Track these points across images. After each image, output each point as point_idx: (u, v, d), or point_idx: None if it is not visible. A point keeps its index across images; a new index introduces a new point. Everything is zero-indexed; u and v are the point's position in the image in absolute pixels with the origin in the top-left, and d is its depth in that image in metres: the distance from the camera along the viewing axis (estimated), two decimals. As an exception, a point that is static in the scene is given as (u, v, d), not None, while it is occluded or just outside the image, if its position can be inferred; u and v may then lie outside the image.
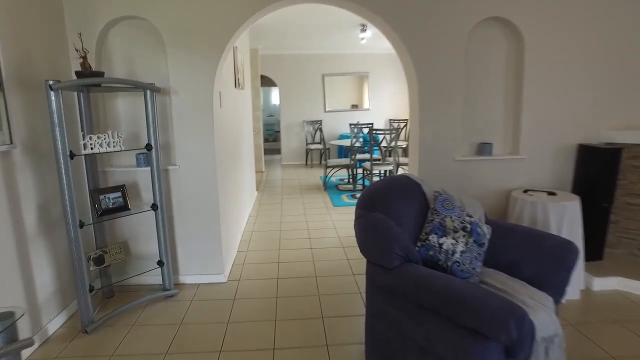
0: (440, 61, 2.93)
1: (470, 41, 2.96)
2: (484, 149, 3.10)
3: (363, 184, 6.50)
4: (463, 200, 2.16)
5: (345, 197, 5.79)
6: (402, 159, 6.49)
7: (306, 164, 9.17)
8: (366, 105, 9.28)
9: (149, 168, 2.78)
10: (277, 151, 10.46)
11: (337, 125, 9.22)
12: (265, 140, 14.36)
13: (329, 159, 6.78)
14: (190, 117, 2.89)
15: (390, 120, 9.17)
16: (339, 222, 4.63)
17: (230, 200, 3.60)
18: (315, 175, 7.85)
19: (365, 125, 7.38)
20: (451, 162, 3.05)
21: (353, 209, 5.11)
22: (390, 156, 6.18)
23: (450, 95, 2.97)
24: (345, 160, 6.59)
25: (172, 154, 2.95)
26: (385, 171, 6.23)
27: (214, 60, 2.84)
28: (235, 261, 3.53)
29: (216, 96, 3.03)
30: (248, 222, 4.66)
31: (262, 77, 9.09)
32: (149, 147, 2.64)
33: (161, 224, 2.77)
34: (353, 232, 2.05)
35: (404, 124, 8.94)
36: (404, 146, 6.32)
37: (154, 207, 2.73)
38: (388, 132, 5.85)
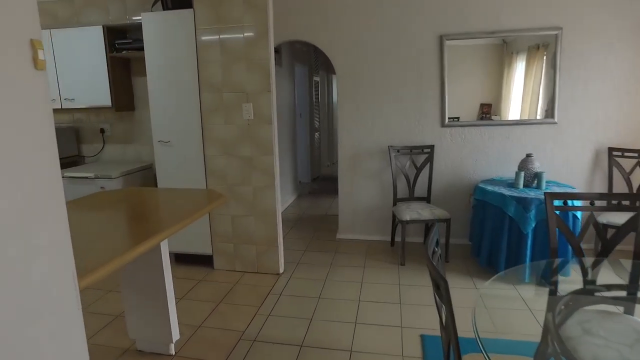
0: None
1: None
2: None
3: None
4: None
5: None
6: None
7: (392, 244, 4.03)
8: (512, 110, 3.79)
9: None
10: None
11: (472, 161, 3.89)
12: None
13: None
14: None
15: (610, 150, 3.56)
16: None
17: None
18: (411, 307, 2.68)
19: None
20: None
21: None
22: None
23: None
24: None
25: None
26: None
27: None
28: None
29: None
30: None
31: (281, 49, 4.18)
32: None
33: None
34: None
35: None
36: None
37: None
38: None
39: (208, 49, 3.16)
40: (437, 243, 1.34)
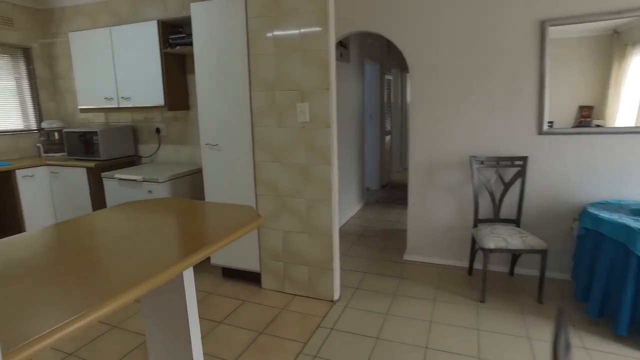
0: None
1: None
2: None
3: None
4: None
5: None
6: None
7: (469, 272, 3.37)
8: (622, 114, 2.93)
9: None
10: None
11: (577, 178, 3.10)
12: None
13: None
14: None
15: None
16: None
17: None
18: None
19: None
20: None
21: None
22: None
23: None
24: None
25: None
26: None
27: None
28: None
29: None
30: None
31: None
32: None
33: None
34: None
35: None
36: None
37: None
38: None
39: (260, 41, 2.78)
40: (568, 346, 0.78)
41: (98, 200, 3.78)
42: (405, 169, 8.51)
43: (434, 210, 3.52)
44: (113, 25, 3.68)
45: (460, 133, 3.31)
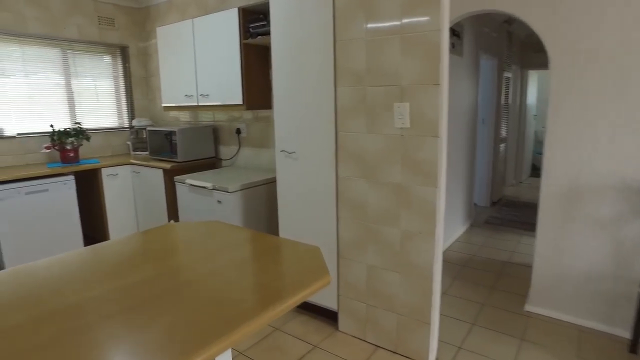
0: None
1: None
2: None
3: None
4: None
5: None
6: None
7: (633, 349, 2.38)
8: None
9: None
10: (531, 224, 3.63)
11: None
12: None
13: None
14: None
15: None
16: None
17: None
18: None
19: None
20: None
21: None
22: None
23: None
24: None
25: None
26: None
27: None
28: None
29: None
30: None
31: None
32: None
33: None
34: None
35: None
36: None
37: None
38: None
39: (349, 22, 2.17)
40: None
41: (172, 204, 3.53)
42: (521, 183, 7.28)
43: (575, 249, 2.59)
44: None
45: (625, 146, 2.35)
